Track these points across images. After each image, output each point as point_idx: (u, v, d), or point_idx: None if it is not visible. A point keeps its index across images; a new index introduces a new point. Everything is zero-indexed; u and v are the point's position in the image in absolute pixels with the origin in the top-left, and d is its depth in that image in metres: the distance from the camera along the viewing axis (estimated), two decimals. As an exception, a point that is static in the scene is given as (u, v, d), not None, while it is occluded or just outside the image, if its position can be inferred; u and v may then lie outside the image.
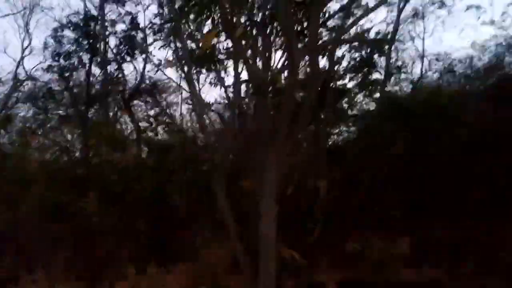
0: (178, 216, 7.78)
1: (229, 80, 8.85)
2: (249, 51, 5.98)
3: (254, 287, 6.39)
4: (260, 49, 6.09)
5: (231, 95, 7.28)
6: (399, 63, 11.78)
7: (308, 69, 5.59)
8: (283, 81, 5.78)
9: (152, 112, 10.66)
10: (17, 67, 14.91)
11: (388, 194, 9.23)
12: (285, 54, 5.86)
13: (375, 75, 10.55)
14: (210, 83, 10.07)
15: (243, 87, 6.90)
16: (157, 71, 10.33)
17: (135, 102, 11.70)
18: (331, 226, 8.57)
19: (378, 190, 9.22)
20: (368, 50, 8.23)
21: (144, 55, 10.79)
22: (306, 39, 5.43)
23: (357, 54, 8.48)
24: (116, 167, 8.23)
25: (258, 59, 6.05)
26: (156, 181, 7.63)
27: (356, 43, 8.18)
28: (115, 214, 7.28)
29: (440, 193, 8.86)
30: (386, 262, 8.97)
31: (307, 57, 5.42)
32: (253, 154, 6.41)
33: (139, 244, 7.86)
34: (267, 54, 5.99)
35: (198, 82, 7.98)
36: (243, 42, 5.95)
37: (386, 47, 9.12)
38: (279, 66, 6.09)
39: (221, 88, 7.37)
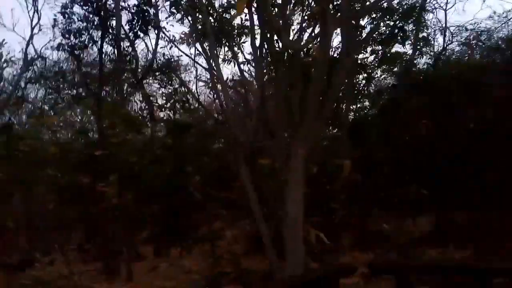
0: (195, 198, 7.56)
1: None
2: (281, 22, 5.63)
3: (279, 269, 6.22)
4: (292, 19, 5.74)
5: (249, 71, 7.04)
6: (424, 34, 11.23)
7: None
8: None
9: (166, 90, 10.38)
10: (27, 46, 14.67)
11: (411, 173, 8.96)
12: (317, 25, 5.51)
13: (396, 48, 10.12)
14: (224, 59, 9.81)
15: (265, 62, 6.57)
16: (171, 47, 9.99)
17: (149, 80, 11.43)
18: (355, 207, 8.35)
19: (401, 169, 8.94)
20: (397, 21, 7.77)
21: (157, 31, 10.42)
22: (338, 9, 5.07)
23: (382, 25, 8.04)
24: (134, 148, 8.01)
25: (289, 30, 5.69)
26: (175, 162, 7.40)
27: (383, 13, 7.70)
28: (133, 196, 7.09)
29: (464, 174, 8.57)
30: (411, 242, 8.75)
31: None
32: (278, 132, 6.16)
33: (157, 226, 7.68)
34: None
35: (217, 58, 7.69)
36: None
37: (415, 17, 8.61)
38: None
39: (236, 64, 7.08)
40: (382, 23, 7.88)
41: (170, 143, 7.46)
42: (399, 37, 7.92)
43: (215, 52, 7.27)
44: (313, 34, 6.00)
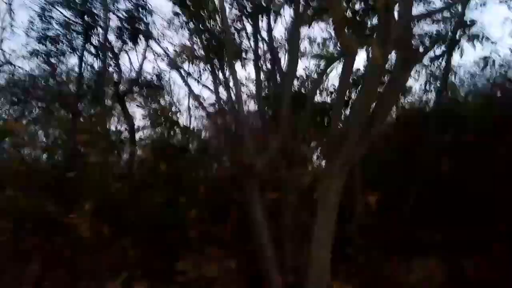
0: (189, 236, 6.31)
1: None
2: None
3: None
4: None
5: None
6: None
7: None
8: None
9: (153, 107, 9.21)
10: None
11: (430, 217, 8.05)
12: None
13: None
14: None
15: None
16: (163, 59, 8.91)
17: (133, 96, 10.22)
18: (373, 252, 7.29)
19: (419, 212, 8.01)
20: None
21: (147, 41, 9.34)
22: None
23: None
24: (118, 172, 6.76)
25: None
26: (166, 190, 6.18)
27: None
28: (111, 230, 5.78)
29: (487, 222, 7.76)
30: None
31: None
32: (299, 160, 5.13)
33: (138, 268, 6.30)
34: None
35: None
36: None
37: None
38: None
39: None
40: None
41: (161, 167, 6.23)
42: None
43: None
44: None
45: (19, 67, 11.04)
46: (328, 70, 8.10)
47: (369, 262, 6.92)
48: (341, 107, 4.32)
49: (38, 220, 5.63)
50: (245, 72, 12.54)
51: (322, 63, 10.35)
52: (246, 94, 10.81)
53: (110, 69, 10.03)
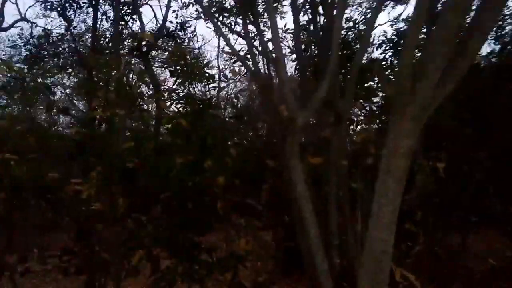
0: (216, 207, 5.40)
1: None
2: None
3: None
4: None
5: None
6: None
7: None
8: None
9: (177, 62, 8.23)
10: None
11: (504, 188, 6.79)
12: None
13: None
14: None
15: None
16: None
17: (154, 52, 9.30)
18: (437, 228, 6.18)
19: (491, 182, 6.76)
20: None
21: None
22: None
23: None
24: (133, 133, 5.89)
25: None
26: (190, 154, 5.24)
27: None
28: (127, 201, 4.95)
29: None
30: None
31: None
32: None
33: (157, 244, 5.46)
34: None
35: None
36: None
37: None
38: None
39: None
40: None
41: (182, 123, 5.27)
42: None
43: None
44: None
45: (34, 23, 10.38)
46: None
47: (432, 241, 5.84)
48: (417, 34, 3.12)
49: (38, 188, 4.89)
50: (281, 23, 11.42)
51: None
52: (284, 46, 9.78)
53: (131, 23, 9.18)
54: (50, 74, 9.09)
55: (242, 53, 7.36)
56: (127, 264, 5.38)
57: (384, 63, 9.19)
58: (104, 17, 8.72)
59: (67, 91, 8.97)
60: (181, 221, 5.29)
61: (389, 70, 8.59)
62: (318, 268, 4.22)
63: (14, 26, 10.94)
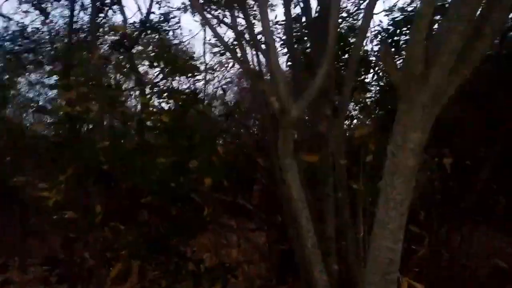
0: (202, 210, 4.94)
1: None
2: None
3: None
4: None
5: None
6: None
7: None
8: None
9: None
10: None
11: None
12: None
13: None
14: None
15: None
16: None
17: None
18: (439, 228, 5.76)
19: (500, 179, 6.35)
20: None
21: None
22: None
23: None
24: (111, 130, 5.40)
25: None
26: (173, 152, 4.77)
27: None
28: (104, 204, 4.46)
29: None
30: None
31: None
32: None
33: (138, 252, 4.95)
34: None
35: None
36: None
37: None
38: None
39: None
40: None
41: (163, 120, 4.80)
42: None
43: None
44: None
45: (10, 18, 9.81)
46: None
47: (437, 243, 5.43)
48: (431, 3, 2.67)
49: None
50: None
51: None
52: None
53: (111, 15, 8.68)
54: (25, 70, 8.60)
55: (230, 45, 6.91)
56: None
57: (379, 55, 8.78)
58: (81, 9, 8.24)
59: (46, 88, 8.56)
60: (164, 228, 4.82)
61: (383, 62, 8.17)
62: (316, 281, 3.78)
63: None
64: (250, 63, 5.70)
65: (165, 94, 5.28)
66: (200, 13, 7.13)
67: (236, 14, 6.53)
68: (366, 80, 8.60)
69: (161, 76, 6.40)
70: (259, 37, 5.80)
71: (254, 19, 9.25)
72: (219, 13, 9.07)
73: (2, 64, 9.02)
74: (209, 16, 7.87)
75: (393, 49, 9.39)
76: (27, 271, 8.59)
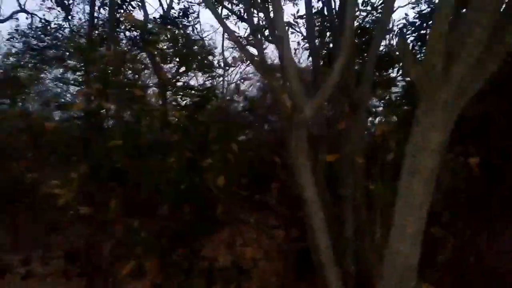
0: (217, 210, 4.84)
1: None
2: None
3: None
4: None
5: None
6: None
7: None
8: None
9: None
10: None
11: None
12: None
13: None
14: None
15: None
16: None
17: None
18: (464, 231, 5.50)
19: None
20: None
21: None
22: None
23: None
24: (126, 127, 5.35)
25: None
26: (190, 150, 4.69)
27: None
28: (118, 204, 4.43)
29: None
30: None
31: None
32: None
33: (152, 253, 4.91)
34: None
35: None
36: None
37: None
38: None
39: None
40: None
41: (185, 120, 4.72)
42: None
43: None
44: None
45: (34, 14, 9.97)
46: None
47: (462, 246, 5.18)
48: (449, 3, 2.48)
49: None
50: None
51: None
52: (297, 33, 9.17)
53: (131, 11, 8.67)
54: (47, 66, 8.73)
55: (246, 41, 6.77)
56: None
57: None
58: (101, 6, 8.26)
59: (66, 85, 8.69)
60: (179, 226, 4.76)
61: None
62: (329, 283, 3.64)
63: (13, 18, 10.66)
64: (265, 58, 5.56)
65: (181, 91, 5.20)
66: (209, 8, 6.98)
67: (252, 10, 6.39)
68: (392, 76, 8.34)
69: (178, 72, 6.33)
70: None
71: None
72: (237, 9, 8.93)
73: (25, 60, 9.22)
74: (225, 12, 7.75)
75: (419, 44, 9.07)
76: (49, 264, 8.74)
